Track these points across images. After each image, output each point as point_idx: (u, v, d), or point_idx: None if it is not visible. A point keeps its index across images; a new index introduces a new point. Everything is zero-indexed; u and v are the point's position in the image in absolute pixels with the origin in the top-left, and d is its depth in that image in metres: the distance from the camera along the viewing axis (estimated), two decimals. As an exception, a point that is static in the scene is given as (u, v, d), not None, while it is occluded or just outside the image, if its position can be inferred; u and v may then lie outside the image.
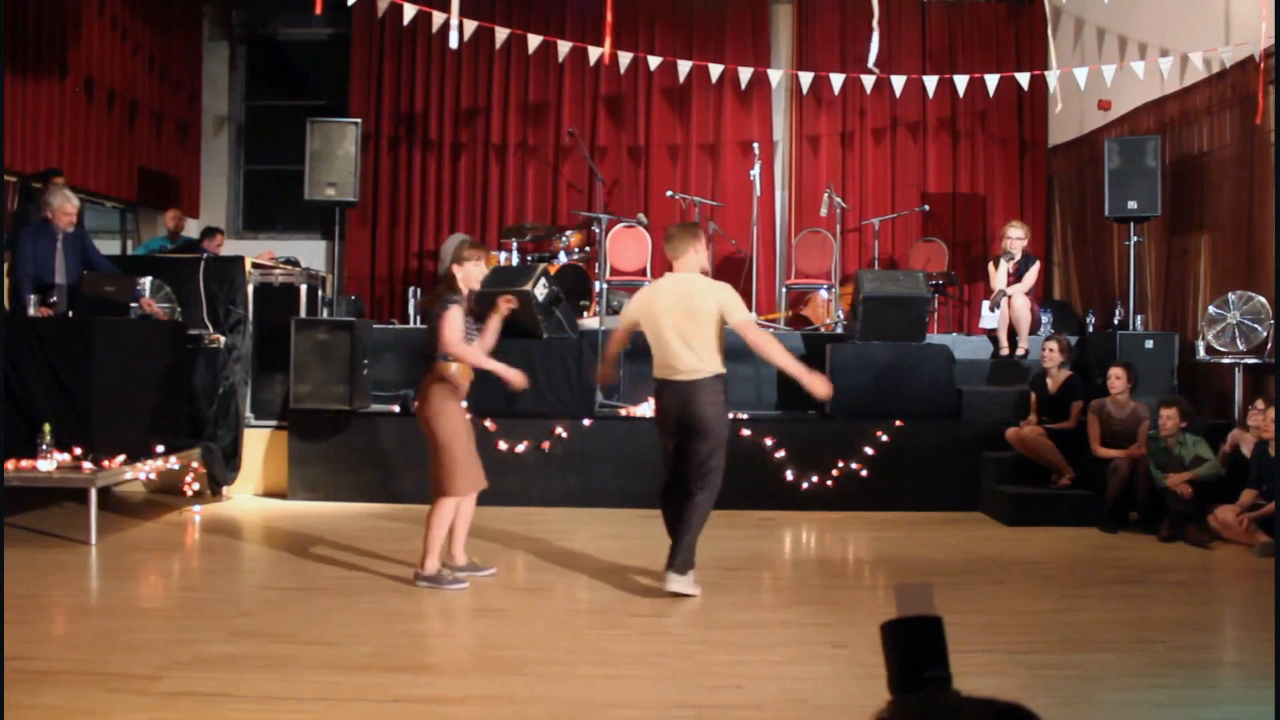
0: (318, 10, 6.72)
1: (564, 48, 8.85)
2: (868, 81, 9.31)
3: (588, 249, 9.60)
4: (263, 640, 4.30)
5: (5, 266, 6.78)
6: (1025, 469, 7.28)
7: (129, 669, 3.90)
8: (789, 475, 7.44)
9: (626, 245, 9.90)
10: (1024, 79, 8.99)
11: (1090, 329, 9.05)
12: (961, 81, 8.98)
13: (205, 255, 8.38)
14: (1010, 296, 8.32)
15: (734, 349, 8.48)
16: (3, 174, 7.01)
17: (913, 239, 10.60)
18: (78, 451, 6.16)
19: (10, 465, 5.95)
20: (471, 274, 5.23)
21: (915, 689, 1.40)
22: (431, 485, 5.25)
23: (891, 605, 1.47)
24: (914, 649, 1.42)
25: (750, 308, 10.05)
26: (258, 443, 7.84)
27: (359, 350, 7.70)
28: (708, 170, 10.87)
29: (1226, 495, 6.50)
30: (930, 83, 9.13)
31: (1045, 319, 8.99)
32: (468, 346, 5.16)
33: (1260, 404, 6.56)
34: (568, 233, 9.66)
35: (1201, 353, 7.45)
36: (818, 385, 5.13)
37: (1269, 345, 7.12)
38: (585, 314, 9.00)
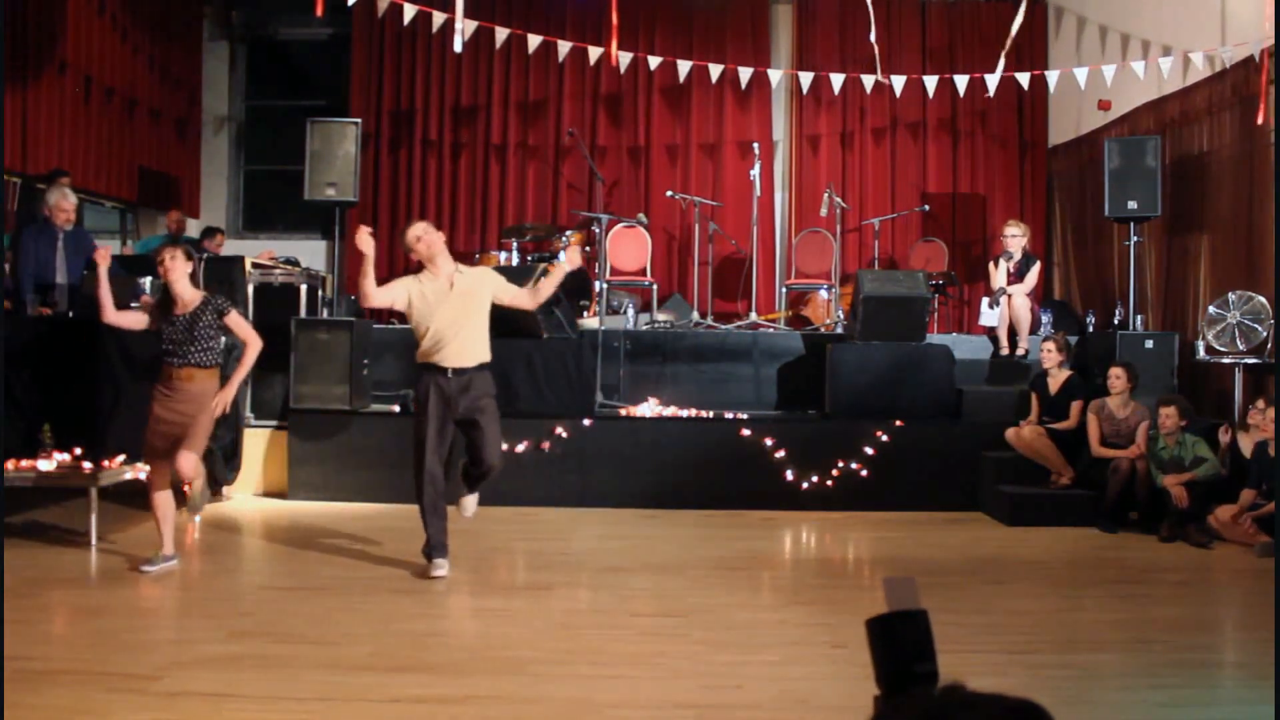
0: (318, 12, 6.72)
1: (564, 48, 8.85)
2: (868, 81, 9.32)
3: (588, 249, 9.59)
4: (263, 640, 4.30)
5: (6, 266, 6.78)
6: (1025, 469, 7.28)
7: (129, 669, 3.90)
8: (789, 475, 7.44)
9: (626, 245, 9.90)
10: (1024, 79, 8.99)
11: (1090, 329, 9.05)
12: (961, 81, 8.99)
13: (205, 255, 8.38)
14: (1010, 295, 8.32)
15: (735, 348, 8.54)
16: (3, 174, 7.01)
17: (913, 239, 10.60)
18: (78, 451, 6.16)
19: (10, 465, 5.95)
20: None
21: (905, 684, 1.40)
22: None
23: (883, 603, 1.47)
24: (902, 644, 1.42)
25: (750, 307, 10.10)
26: (258, 443, 7.83)
27: (359, 350, 7.70)
28: (708, 170, 10.87)
29: (1226, 495, 6.50)
30: (930, 83, 9.13)
31: (1045, 319, 8.99)
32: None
33: (1260, 404, 6.56)
34: (568, 233, 9.66)
35: (1201, 353, 7.44)
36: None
37: (1269, 345, 7.11)
38: (585, 314, 9.00)
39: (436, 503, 5.34)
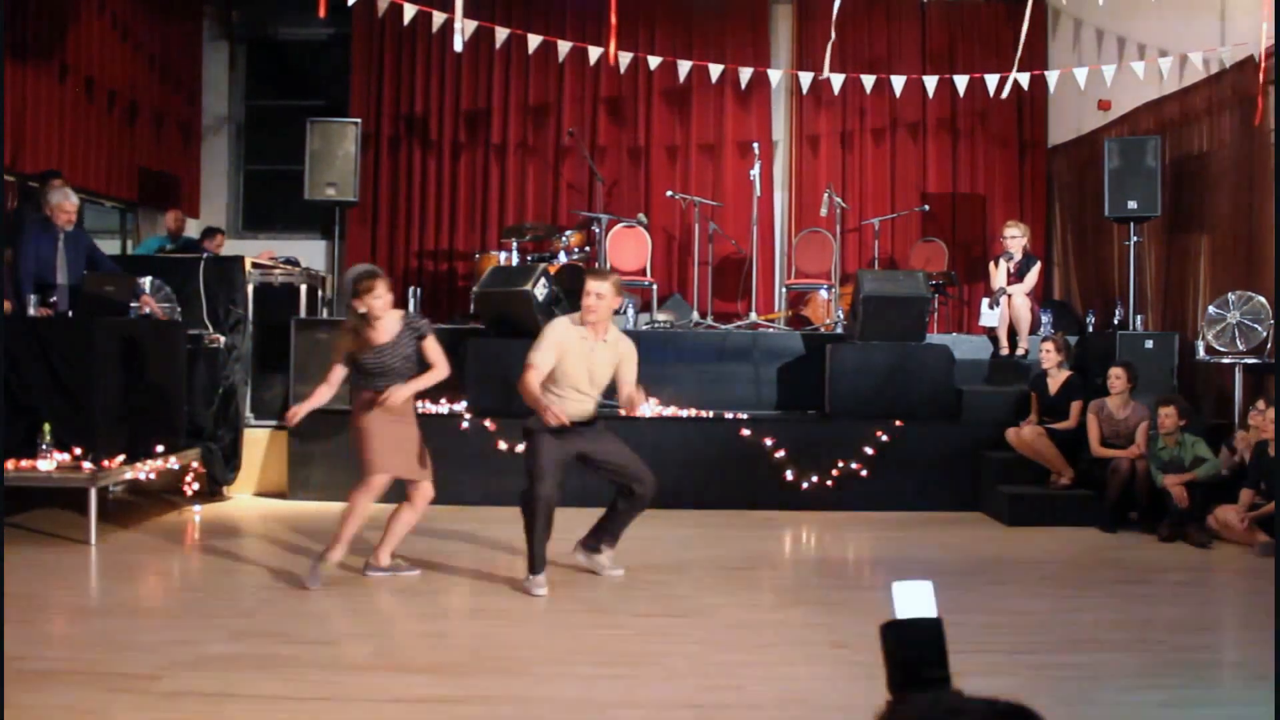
0: (322, 13, 6.72)
1: (564, 48, 8.85)
2: (868, 81, 9.31)
3: (588, 249, 9.59)
4: (263, 640, 4.30)
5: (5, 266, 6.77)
6: (1025, 469, 7.28)
7: (129, 669, 3.90)
8: (789, 475, 7.44)
9: (626, 245, 9.90)
10: (1024, 79, 8.99)
11: (1090, 329, 9.04)
12: (961, 81, 8.98)
13: (205, 255, 8.38)
14: (1010, 295, 8.32)
15: (735, 348, 8.54)
16: (3, 174, 7.01)
17: (913, 239, 10.59)
18: (78, 451, 6.16)
19: (10, 465, 5.94)
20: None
21: (915, 689, 1.40)
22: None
23: (891, 605, 1.47)
24: (914, 649, 1.42)
25: (750, 307, 10.09)
26: (258, 443, 7.84)
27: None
28: (708, 170, 10.86)
29: (1226, 495, 6.50)
30: (930, 83, 9.13)
31: (1045, 319, 8.98)
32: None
33: (1260, 404, 6.56)
34: (568, 233, 9.65)
35: (1201, 353, 7.45)
36: None
37: (1269, 345, 7.12)
38: (585, 314, 8.98)
39: (548, 528, 5.13)
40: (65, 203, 6.87)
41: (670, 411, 7.84)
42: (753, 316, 9.77)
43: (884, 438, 7.52)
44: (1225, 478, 6.62)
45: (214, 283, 7.71)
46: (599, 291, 5.12)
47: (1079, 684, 3.91)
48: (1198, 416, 7.08)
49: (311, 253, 10.67)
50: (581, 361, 5.17)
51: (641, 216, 9.90)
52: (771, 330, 9.10)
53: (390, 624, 4.57)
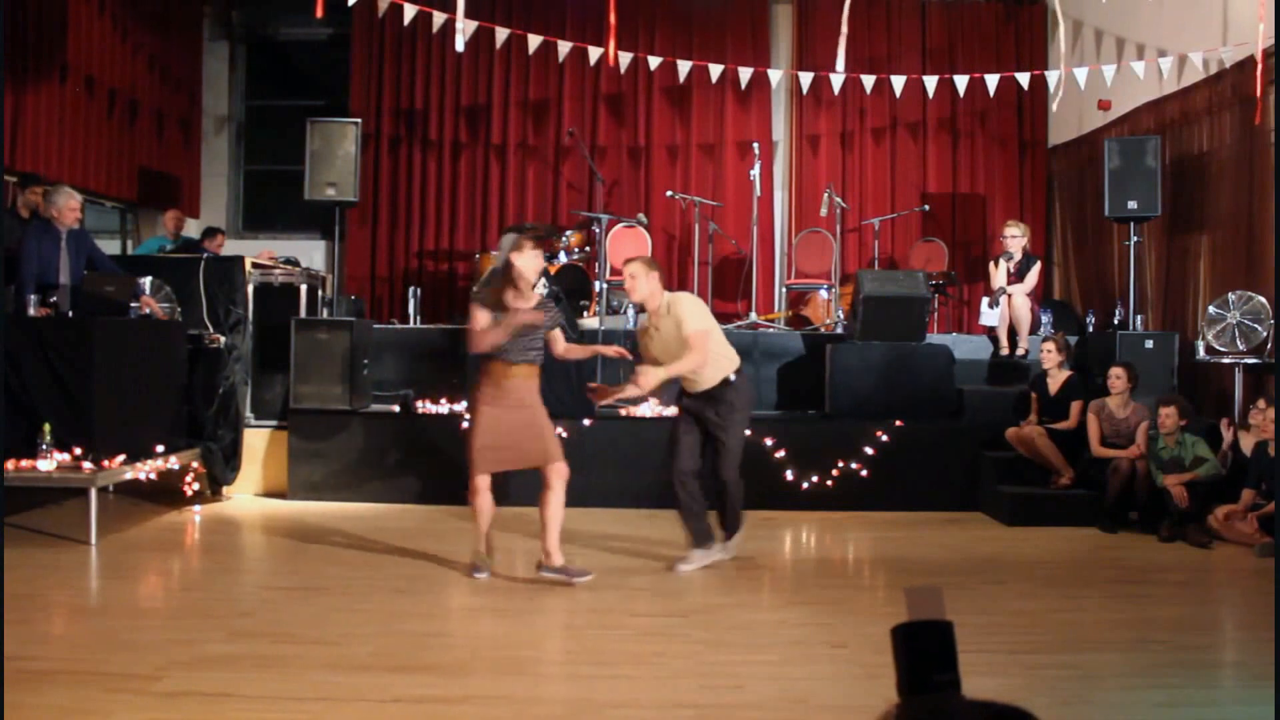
0: (319, 14, 6.71)
1: (564, 48, 8.85)
2: (868, 81, 9.31)
3: (588, 249, 9.59)
4: (263, 640, 4.30)
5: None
6: (1025, 469, 7.28)
7: (129, 669, 3.90)
8: (789, 475, 7.44)
9: (626, 245, 9.89)
10: (1024, 79, 8.99)
11: (1090, 329, 9.04)
12: (961, 81, 8.98)
13: (205, 255, 8.38)
14: (1010, 295, 8.32)
15: (735, 348, 8.51)
16: (3, 173, 7.00)
17: (913, 239, 10.60)
18: (78, 451, 6.16)
19: (10, 465, 5.94)
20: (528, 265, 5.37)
21: (924, 692, 1.40)
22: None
23: (900, 607, 1.47)
24: (924, 653, 1.43)
25: (750, 307, 10.09)
26: (258, 443, 7.84)
27: (359, 350, 7.70)
28: (708, 170, 10.87)
29: (1226, 495, 6.50)
30: (930, 83, 9.13)
31: (1045, 319, 8.98)
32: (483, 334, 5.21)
33: (1261, 403, 6.56)
34: (568, 233, 9.66)
35: (1201, 353, 7.44)
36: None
37: (1269, 345, 7.12)
38: (585, 314, 8.99)
39: (689, 503, 5.54)
40: (71, 202, 6.86)
41: (671, 411, 7.82)
42: (753, 316, 9.77)
43: (884, 438, 7.51)
44: (1224, 476, 6.62)
45: (214, 283, 7.70)
46: (630, 273, 5.46)
47: (1078, 684, 3.91)
48: (1198, 416, 7.08)
49: (311, 253, 10.68)
50: (652, 341, 5.48)
51: (641, 216, 9.90)
52: (771, 330, 9.10)
53: (390, 624, 4.57)
